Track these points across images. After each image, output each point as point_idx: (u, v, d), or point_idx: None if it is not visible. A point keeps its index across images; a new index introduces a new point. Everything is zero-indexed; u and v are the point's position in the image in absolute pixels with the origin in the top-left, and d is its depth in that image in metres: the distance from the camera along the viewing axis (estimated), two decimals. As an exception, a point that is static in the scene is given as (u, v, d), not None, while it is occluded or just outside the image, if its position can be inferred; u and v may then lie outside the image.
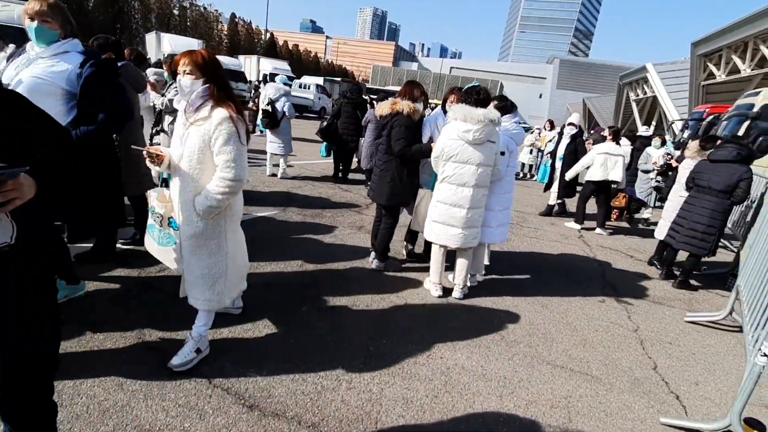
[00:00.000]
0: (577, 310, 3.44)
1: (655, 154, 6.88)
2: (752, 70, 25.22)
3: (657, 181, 6.73)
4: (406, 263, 3.96)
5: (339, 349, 2.45)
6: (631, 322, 3.37)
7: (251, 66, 30.04)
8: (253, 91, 14.43)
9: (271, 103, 6.86)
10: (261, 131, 11.50)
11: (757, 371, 1.84)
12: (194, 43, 23.11)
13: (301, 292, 3.09)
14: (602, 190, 6.14)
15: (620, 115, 51.57)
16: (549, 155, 8.68)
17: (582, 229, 6.24)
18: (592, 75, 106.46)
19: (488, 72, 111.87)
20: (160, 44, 20.88)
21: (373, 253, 3.73)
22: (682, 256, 4.44)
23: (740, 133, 11.20)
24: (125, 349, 2.22)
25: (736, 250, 5.04)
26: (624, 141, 7.78)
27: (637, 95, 44.98)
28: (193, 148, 1.93)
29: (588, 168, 6.10)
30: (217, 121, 1.89)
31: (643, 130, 8.83)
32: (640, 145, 8.00)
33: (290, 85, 27.30)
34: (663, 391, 2.48)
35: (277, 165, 7.02)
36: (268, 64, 28.60)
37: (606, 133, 6.22)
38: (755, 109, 11.28)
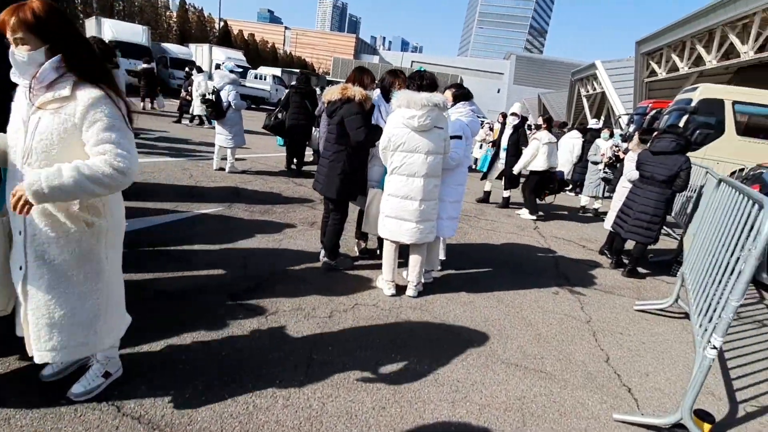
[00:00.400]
0: (532, 304, 3.38)
1: (603, 146, 7.09)
2: (689, 68, 27.02)
3: (605, 172, 6.93)
4: (359, 260, 3.76)
5: (278, 361, 2.21)
6: (584, 313, 3.36)
7: (203, 55, 28.55)
8: (185, 79, 12.01)
9: (216, 92, 6.40)
10: (209, 123, 10.86)
11: (707, 364, 1.80)
12: (138, 30, 21.58)
13: (241, 297, 2.81)
14: (544, 178, 6.26)
15: (572, 110, 53.98)
16: (491, 144, 8.86)
17: (537, 220, 6.31)
18: (547, 71, 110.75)
19: (448, 66, 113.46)
20: (101, 30, 19.30)
21: (322, 251, 3.49)
22: (630, 244, 4.54)
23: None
24: (17, 375, 1.87)
25: (679, 237, 5.25)
26: (575, 133, 7.97)
27: (588, 91, 47.27)
28: (49, 140, 1.42)
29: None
30: (87, 102, 1.42)
31: (593, 123, 9.11)
32: (590, 137, 8.24)
33: (242, 74, 25.78)
34: (615, 385, 2.44)
35: (225, 158, 6.57)
36: (221, 54, 27.26)
37: (540, 121, 6.38)
38: (693, 104, 12.02)
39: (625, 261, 4.59)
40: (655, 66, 30.80)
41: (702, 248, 2.88)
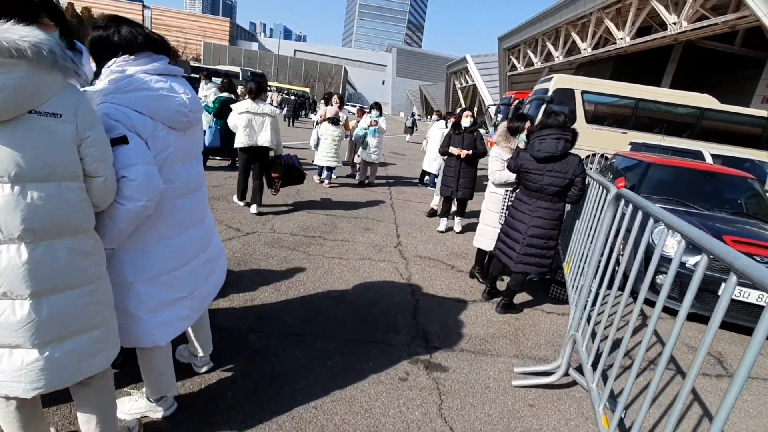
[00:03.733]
0: (359, 419, 1.97)
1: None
2: (542, 63, 29.88)
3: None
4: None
5: None
6: (443, 420, 2.06)
7: None
8: None
9: None
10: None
11: None
12: None
13: None
14: (254, 158, 4.97)
15: (450, 101, 57.26)
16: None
17: (399, 235, 5.08)
18: (426, 64, 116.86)
19: (333, 57, 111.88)
20: None
21: None
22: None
23: (539, 117, 12.27)
24: None
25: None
26: (442, 123, 7.05)
27: (461, 84, 50.43)
28: None
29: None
30: None
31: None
32: (459, 128, 7.42)
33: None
34: None
35: None
36: (28, 27, 21.07)
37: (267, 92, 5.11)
38: (549, 94, 12.45)
39: (500, 285, 3.57)
40: (515, 61, 33.66)
41: (596, 281, 1.76)
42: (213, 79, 8.77)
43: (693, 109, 12.22)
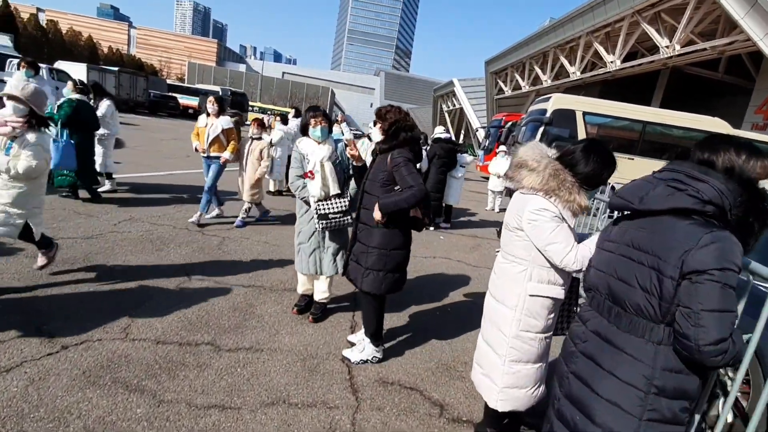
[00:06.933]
0: None
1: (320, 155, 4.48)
2: (530, 87, 29.12)
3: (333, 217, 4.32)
4: None
5: None
6: None
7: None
8: None
9: None
10: None
11: None
12: None
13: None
14: None
15: (437, 124, 56.51)
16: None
17: (355, 325, 3.22)
18: (413, 88, 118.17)
19: (321, 79, 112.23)
20: None
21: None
22: None
23: (536, 139, 10.79)
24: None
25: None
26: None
27: (449, 107, 50.00)
28: None
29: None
30: None
31: (439, 132, 6.80)
32: (440, 149, 5.80)
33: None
34: None
35: None
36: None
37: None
38: (547, 115, 10.99)
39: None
40: (502, 84, 33.01)
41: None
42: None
43: (705, 134, 10.89)
